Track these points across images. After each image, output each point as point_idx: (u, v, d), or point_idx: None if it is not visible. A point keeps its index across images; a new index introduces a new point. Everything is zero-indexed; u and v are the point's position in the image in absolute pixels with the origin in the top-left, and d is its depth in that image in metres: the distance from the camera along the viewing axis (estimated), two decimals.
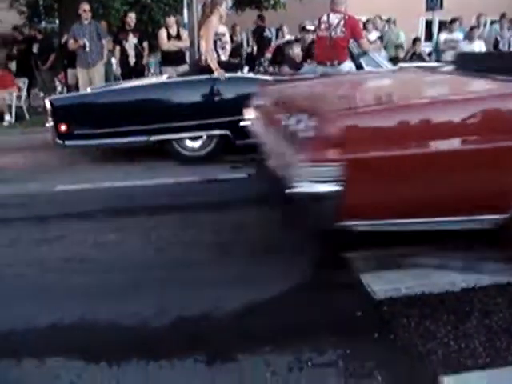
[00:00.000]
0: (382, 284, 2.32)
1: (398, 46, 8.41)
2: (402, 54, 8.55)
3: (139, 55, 7.31)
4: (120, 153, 5.33)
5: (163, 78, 5.37)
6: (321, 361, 1.83)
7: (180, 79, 5.04)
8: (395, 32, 9.01)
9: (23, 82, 8.56)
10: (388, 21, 9.20)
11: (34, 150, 6.04)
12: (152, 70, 8.55)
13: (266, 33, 9.61)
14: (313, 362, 1.83)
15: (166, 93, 4.86)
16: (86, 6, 6.97)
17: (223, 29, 5.16)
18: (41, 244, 3.04)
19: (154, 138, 4.79)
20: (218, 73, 4.70)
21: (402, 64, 5.16)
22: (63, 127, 4.74)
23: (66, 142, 4.84)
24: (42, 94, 9.16)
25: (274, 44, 8.56)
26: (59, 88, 9.08)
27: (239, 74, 5.07)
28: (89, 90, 5.31)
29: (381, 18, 9.31)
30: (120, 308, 2.26)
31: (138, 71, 7.21)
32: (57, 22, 17.15)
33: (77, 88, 7.42)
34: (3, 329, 2.14)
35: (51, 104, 4.81)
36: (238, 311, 2.19)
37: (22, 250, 2.99)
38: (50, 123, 4.83)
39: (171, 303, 2.27)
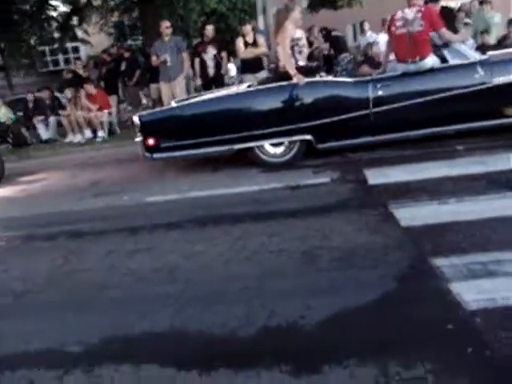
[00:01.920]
0: (475, 294, 2.19)
1: (484, 32, 7.71)
2: (492, 40, 7.91)
3: (218, 65, 7.53)
4: (204, 162, 5.50)
5: (244, 87, 5.44)
6: (408, 376, 1.77)
7: (260, 87, 5.06)
8: (488, 15, 8.19)
9: (113, 100, 9.15)
10: (482, 3, 8.35)
11: (125, 164, 6.44)
12: (233, 78, 8.70)
13: (335, 33, 9.40)
14: (400, 376, 1.77)
15: (247, 101, 4.94)
16: (166, 24, 7.33)
17: (299, 33, 5.13)
18: (133, 255, 3.24)
19: (237, 146, 4.90)
20: (297, 78, 4.70)
21: (492, 52, 4.79)
22: (151, 141, 5.00)
23: (154, 155, 5.09)
24: (129, 109, 9.78)
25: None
26: (144, 101, 9.59)
27: (318, 78, 5.03)
28: (173, 104, 5.54)
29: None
30: (208, 317, 2.34)
31: (218, 81, 7.42)
32: (141, 39, 18.26)
33: (160, 101, 7.82)
34: (104, 335, 2.32)
35: (139, 119, 5.08)
36: (324, 322, 2.18)
37: (118, 260, 3.19)
38: (138, 138, 5.11)
39: (257, 313, 2.31)
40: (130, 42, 17.89)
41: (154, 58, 7.40)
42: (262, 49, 7.14)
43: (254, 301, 2.43)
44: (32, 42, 13.31)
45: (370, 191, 3.90)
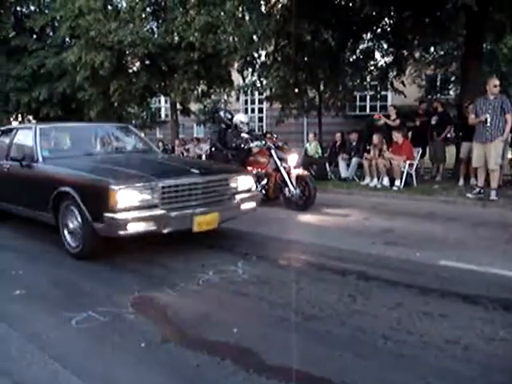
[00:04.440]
0: None
1: None
2: None
3: None
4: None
5: None
6: None
7: None
8: None
9: (417, 152, 9.19)
10: None
11: (418, 218, 6.34)
12: None
13: None
14: None
15: None
16: (495, 82, 6.96)
17: None
18: (423, 316, 3.12)
19: None
20: None
21: None
22: None
23: None
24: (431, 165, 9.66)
25: None
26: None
27: None
28: None
29: None
30: None
31: None
32: (451, 94, 17.87)
33: (469, 162, 7.43)
34: None
35: None
36: None
37: (405, 317, 3.12)
38: None
39: None
40: (439, 95, 17.72)
41: (472, 116, 7.11)
42: None
43: None
44: (350, 87, 14.54)
45: None
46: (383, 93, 17.46)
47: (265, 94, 15.53)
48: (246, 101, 22.26)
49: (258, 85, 15.34)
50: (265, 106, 20.31)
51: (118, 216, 4.04)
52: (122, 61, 14.65)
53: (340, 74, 12.90)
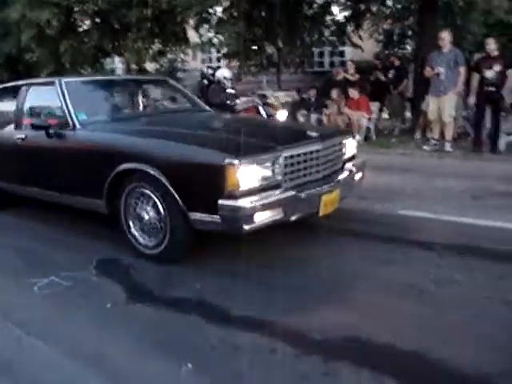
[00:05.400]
0: None
1: None
2: None
3: (498, 84, 6.88)
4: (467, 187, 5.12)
5: None
6: None
7: None
8: None
9: (375, 106, 9.29)
10: None
11: (377, 171, 6.44)
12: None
13: None
14: None
15: None
16: (444, 34, 7.02)
17: None
18: (385, 264, 3.23)
19: None
20: None
21: None
22: None
23: None
24: (387, 117, 9.78)
25: None
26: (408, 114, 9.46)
27: None
28: None
29: None
30: (454, 350, 2.19)
31: (496, 101, 6.79)
32: (408, 48, 17.98)
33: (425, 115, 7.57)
34: (346, 334, 2.37)
35: None
36: None
37: (370, 266, 3.22)
38: None
39: None
40: (397, 50, 17.80)
41: (428, 69, 7.20)
42: None
43: None
44: (308, 43, 14.41)
45: None
46: (341, 48, 17.42)
47: (222, 52, 15.20)
48: (204, 59, 21.73)
49: (215, 42, 14.97)
50: (223, 63, 19.89)
51: (243, 204, 2.85)
52: (70, 19, 13.91)
53: (298, 29, 12.74)
